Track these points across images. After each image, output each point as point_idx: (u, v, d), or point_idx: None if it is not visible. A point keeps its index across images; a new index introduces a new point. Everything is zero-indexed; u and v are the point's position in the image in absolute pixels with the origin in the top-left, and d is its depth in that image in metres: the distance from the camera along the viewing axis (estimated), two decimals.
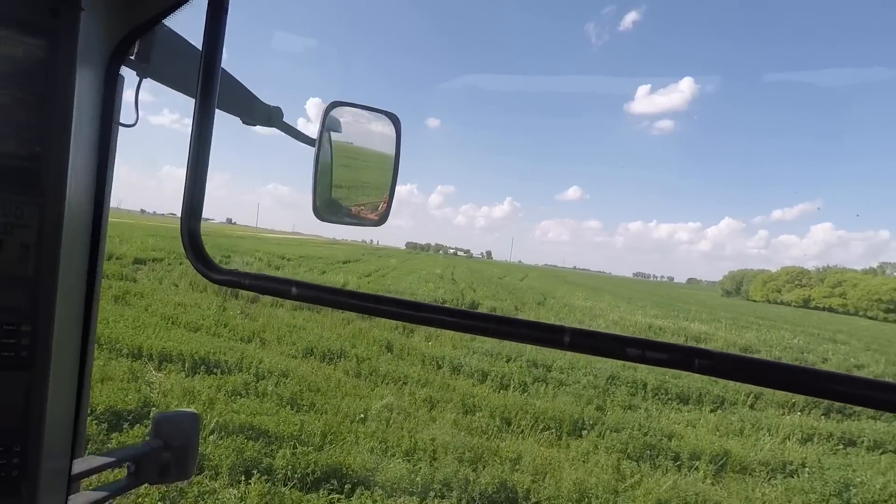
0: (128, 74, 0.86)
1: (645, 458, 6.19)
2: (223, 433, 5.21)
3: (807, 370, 0.50)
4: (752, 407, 9.14)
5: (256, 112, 1.27)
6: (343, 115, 1.18)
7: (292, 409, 6.26)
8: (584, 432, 6.81)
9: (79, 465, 0.87)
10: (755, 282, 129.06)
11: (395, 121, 1.16)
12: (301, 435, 5.44)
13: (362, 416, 6.38)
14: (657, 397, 9.06)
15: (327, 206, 1.19)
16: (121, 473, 1.01)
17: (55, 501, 0.78)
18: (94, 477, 0.92)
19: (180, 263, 18.45)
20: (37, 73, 0.64)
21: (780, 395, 9.45)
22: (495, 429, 6.59)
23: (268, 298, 14.16)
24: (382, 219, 1.22)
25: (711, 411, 8.70)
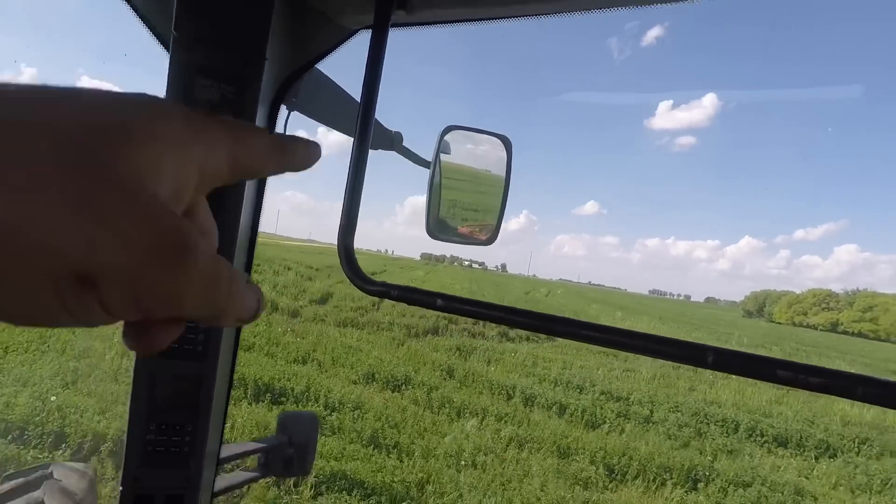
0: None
1: None
2: (314, 487, 4.52)
3: None
4: (857, 454, 8.19)
5: (381, 137, 1.32)
6: (457, 139, 1.19)
7: (377, 450, 5.57)
8: (700, 485, 5.99)
9: (225, 450, 1.00)
10: (780, 303, 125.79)
11: (507, 143, 1.17)
12: (398, 485, 4.74)
13: (456, 458, 5.67)
14: (752, 439, 8.18)
15: (439, 225, 1.21)
16: (252, 463, 1.14)
17: (208, 478, 0.90)
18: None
19: None
20: (228, 113, 0.75)
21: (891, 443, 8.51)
22: (602, 479, 5.81)
23: (309, 313, 13.64)
24: (492, 238, 1.22)
25: (816, 458, 7.80)
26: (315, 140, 0.34)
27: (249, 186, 0.83)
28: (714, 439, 7.75)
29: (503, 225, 1.22)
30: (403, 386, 8.29)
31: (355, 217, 0.73)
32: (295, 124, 1.02)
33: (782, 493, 5.85)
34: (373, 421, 6.32)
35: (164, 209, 0.23)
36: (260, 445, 1.11)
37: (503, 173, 1.17)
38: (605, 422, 7.92)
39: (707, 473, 6.18)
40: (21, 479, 1.16)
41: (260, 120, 0.83)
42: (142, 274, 0.22)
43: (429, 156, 1.22)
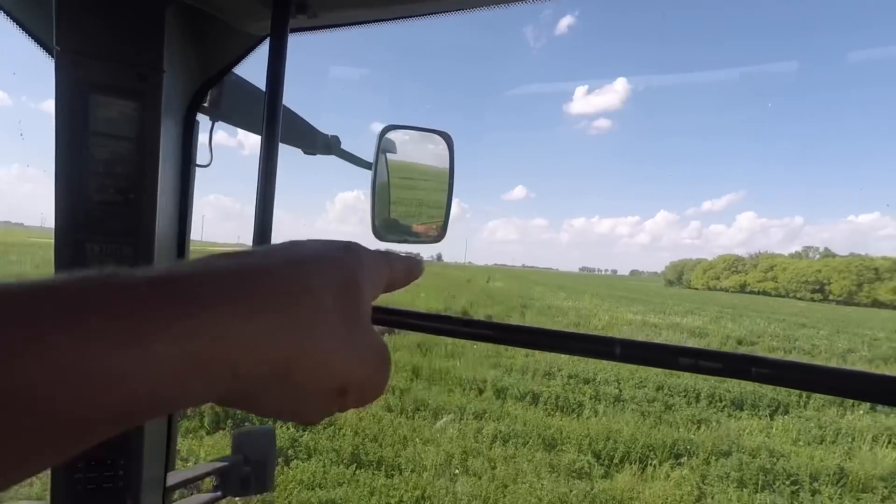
0: (201, 119, 0.94)
1: (767, 486, 5.54)
2: None
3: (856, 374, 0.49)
4: (805, 408, 8.82)
5: (316, 142, 1.32)
6: (397, 137, 1.18)
7: (362, 469, 5.14)
8: (684, 459, 6.10)
9: (172, 478, 0.95)
10: (696, 270, 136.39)
11: (448, 139, 1.16)
12: None
13: (446, 467, 5.35)
14: (713, 406, 8.55)
15: (386, 226, 1.20)
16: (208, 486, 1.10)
17: None
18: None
19: None
20: (128, 129, 0.73)
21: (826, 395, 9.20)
22: (594, 467, 5.74)
23: None
24: (441, 235, 1.20)
25: (771, 416, 8.29)
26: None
27: (165, 206, 0.80)
28: (682, 410, 8.00)
29: (449, 220, 1.22)
30: None
31: (269, 227, 0.73)
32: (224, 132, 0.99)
33: (760, 458, 6.08)
34: (350, 437, 5.85)
35: (378, 338, 0.33)
36: (213, 467, 1.08)
37: (447, 168, 1.17)
38: (580, 406, 7.94)
39: (688, 447, 6.31)
40: None
41: (171, 133, 0.81)
42: (371, 381, 0.32)
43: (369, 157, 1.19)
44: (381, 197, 1.20)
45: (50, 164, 0.73)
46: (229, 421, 5.93)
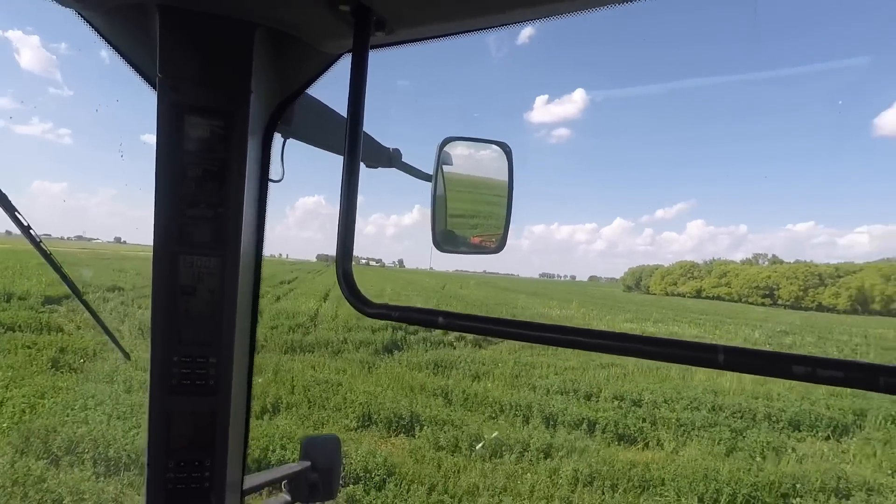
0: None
1: None
2: None
3: None
4: (861, 427, 8.34)
5: (379, 156, 1.32)
6: (456, 149, 1.18)
7: None
8: (796, 501, 5.36)
9: (248, 481, 0.99)
10: (654, 276, 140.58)
11: (507, 150, 1.16)
12: None
13: None
14: (774, 427, 7.94)
15: (445, 237, 1.19)
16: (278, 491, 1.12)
17: None
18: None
19: (105, 300, 14.52)
20: (218, 147, 0.78)
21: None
22: None
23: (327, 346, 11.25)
24: (500, 246, 1.19)
25: (836, 438, 7.77)
26: None
27: (247, 219, 0.83)
28: (750, 436, 7.31)
29: (510, 230, 1.18)
30: (411, 425, 6.77)
31: (352, 239, 0.73)
32: (291, 150, 0.99)
33: (887, 497, 5.42)
34: (420, 490, 4.78)
35: None
36: (283, 473, 1.11)
37: (505, 179, 1.16)
38: (640, 434, 7.14)
39: (795, 486, 5.57)
40: None
41: (253, 151, 0.84)
42: None
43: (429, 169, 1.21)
44: (439, 209, 1.18)
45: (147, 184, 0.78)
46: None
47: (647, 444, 6.91)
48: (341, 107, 0.97)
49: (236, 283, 0.81)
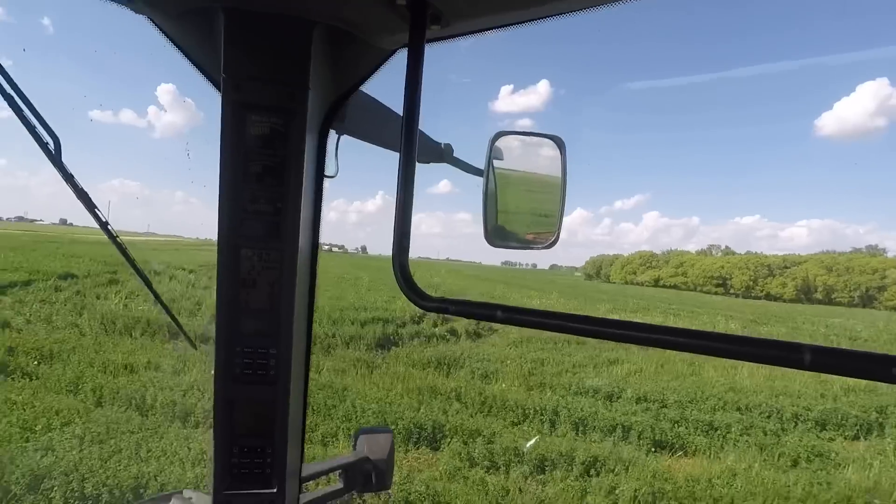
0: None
1: None
2: None
3: None
4: (881, 426, 8.17)
5: (431, 151, 1.32)
6: (508, 144, 1.19)
7: None
8: None
9: (306, 469, 1.05)
10: (615, 266, 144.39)
11: (560, 143, 1.14)
12: None
13: None
14: (799, 426, 7.64)
15: (497, 233, 1.19)
16: (333, 480, 1.15)
17: (291, 497, 0.92)
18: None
19: (58, 289, 12.89)
20: (278, 144, 0.80)
21: None
22: None
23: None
24: (553, 241, 1.18)
25: (863, 437, 7.54)
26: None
27: (305, 215, 0.84)
28: (785, 440, 6.94)
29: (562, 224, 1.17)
30: (433, 435, 6.01)
31: (408, 234, 0.73)
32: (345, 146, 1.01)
33: None
34: None
35: None
36: (339, 462, 1.14)
37: (559, 173, 1.14)
38: (678, 439, 6.63)
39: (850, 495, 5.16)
40: (159, 498, 1.26)
41: (310, 147, 0.84)
42: None
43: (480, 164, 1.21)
44: (491, 204, 1.19)
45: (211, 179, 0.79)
46: None
47: (690, 452, 6.42)
48: (390, 103, 1.09)
49: (294, 276, 0.83)
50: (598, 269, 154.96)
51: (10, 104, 0.92)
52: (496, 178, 1.20)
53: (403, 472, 4.95)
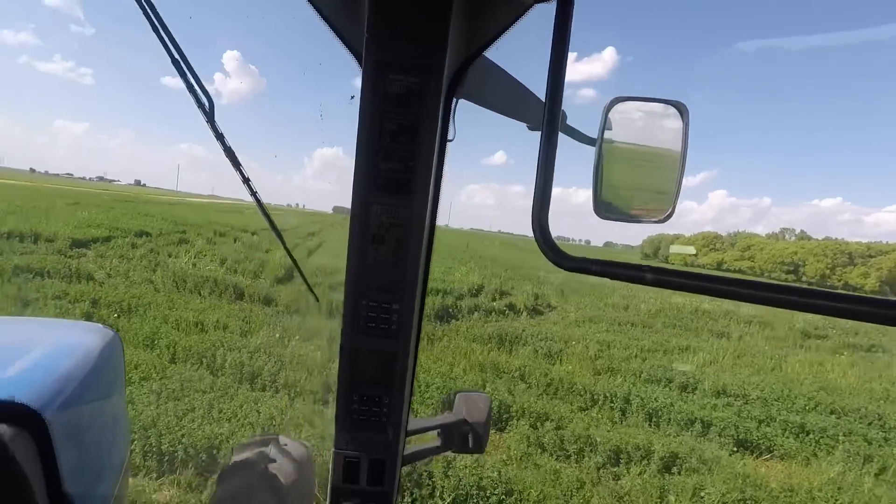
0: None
1: None
2: None
3: None
4: None
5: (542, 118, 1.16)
6: (625, 110, 1.09)
7: None
8: None
9: (412, 424, 1.07)
10: (674, 246, 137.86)
11: (683, 109, 1.05)
12: None
13: None
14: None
15: (606, 205, 1.11)
16: (432, 437, 1.17)
17: (399, 447, 0.97)
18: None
19: (134, 246, 13.62)
20: (413, 104, 0.80)
21: None
22: None
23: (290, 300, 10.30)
24: (668, 216, 1.10)
25: None
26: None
27: (430, 175, 0.84)
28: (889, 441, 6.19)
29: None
30: (502, 416, 5.77)
31: (549, 196, 0.72)
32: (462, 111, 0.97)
33: None
34: None
35: None
36: (440, 422, 1.16)
37: (678, 143, 1.05)
38: (765, 440, 6.05)
39: None
40: (258, 440, 1.41)
41: (439, 108, 0.83)
42: None
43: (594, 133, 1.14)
44: (604, 174, 1.11)
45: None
46: None
47: (779, 456, 5.84)
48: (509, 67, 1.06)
49: (421, 235, 0.85)
50: (657, 249, 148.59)
51: (176, 68, 1.02)
52: (612, 148, 1.15)
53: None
